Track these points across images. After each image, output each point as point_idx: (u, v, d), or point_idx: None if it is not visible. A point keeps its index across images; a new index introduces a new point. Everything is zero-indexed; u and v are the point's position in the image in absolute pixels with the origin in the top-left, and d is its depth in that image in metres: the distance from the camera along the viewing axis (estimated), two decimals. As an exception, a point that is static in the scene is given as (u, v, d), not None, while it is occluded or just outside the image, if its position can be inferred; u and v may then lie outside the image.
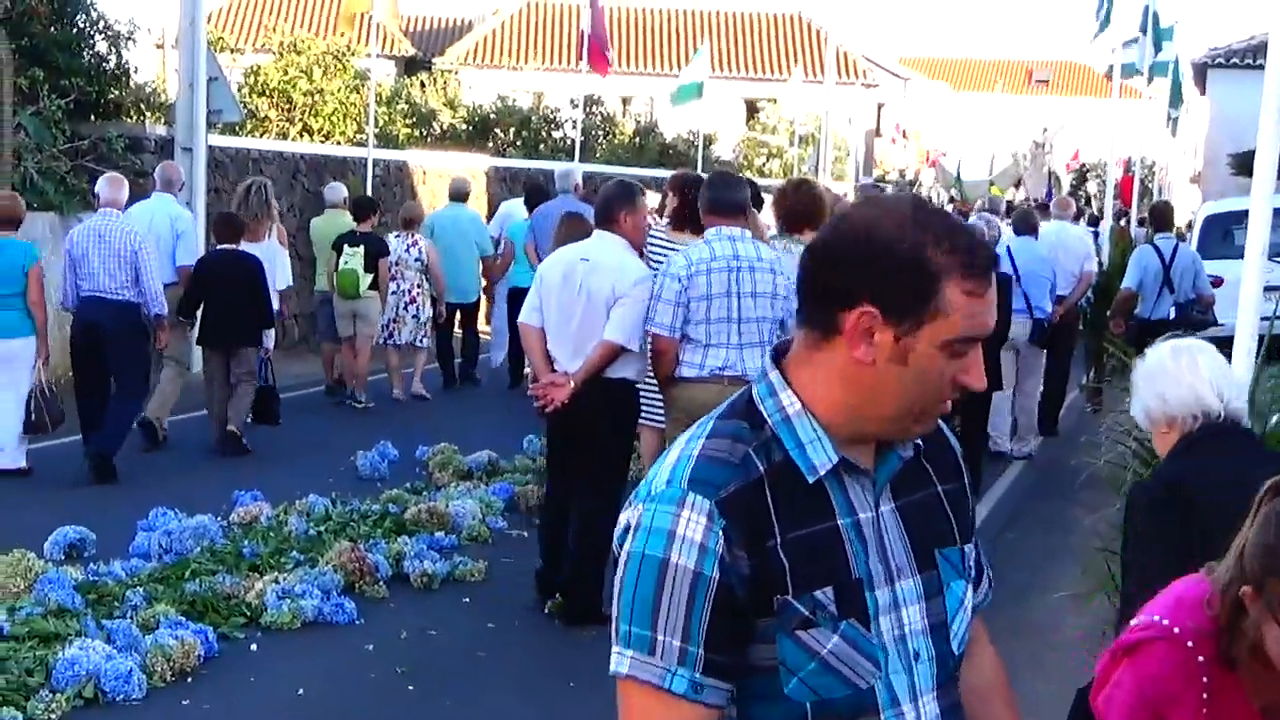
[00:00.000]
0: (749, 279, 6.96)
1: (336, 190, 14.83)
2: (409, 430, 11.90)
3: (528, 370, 10.45)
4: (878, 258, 2.06)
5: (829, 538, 2.13)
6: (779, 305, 6.99)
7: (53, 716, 5.84)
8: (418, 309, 13.91)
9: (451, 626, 7.36)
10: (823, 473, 2.13)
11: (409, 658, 6.83)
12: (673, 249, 7.86)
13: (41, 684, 6.06)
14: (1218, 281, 18.96)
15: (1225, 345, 4.44)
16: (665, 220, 8.78)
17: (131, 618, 6.85)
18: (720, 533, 2.06)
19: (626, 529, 2.14)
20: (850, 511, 2.15)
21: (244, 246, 11.38)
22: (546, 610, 7.53)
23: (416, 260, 13.82)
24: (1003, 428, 12.37)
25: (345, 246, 13.28)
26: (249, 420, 11.55)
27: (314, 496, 9.39)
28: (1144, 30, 23.13)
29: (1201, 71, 35.26)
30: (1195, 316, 12.03)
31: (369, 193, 17.19)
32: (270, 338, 11.81)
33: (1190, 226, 28.18)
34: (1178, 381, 3.63)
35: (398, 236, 13.96)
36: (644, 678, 2.09)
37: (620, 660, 2.12)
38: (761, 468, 2.11)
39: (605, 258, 7.19)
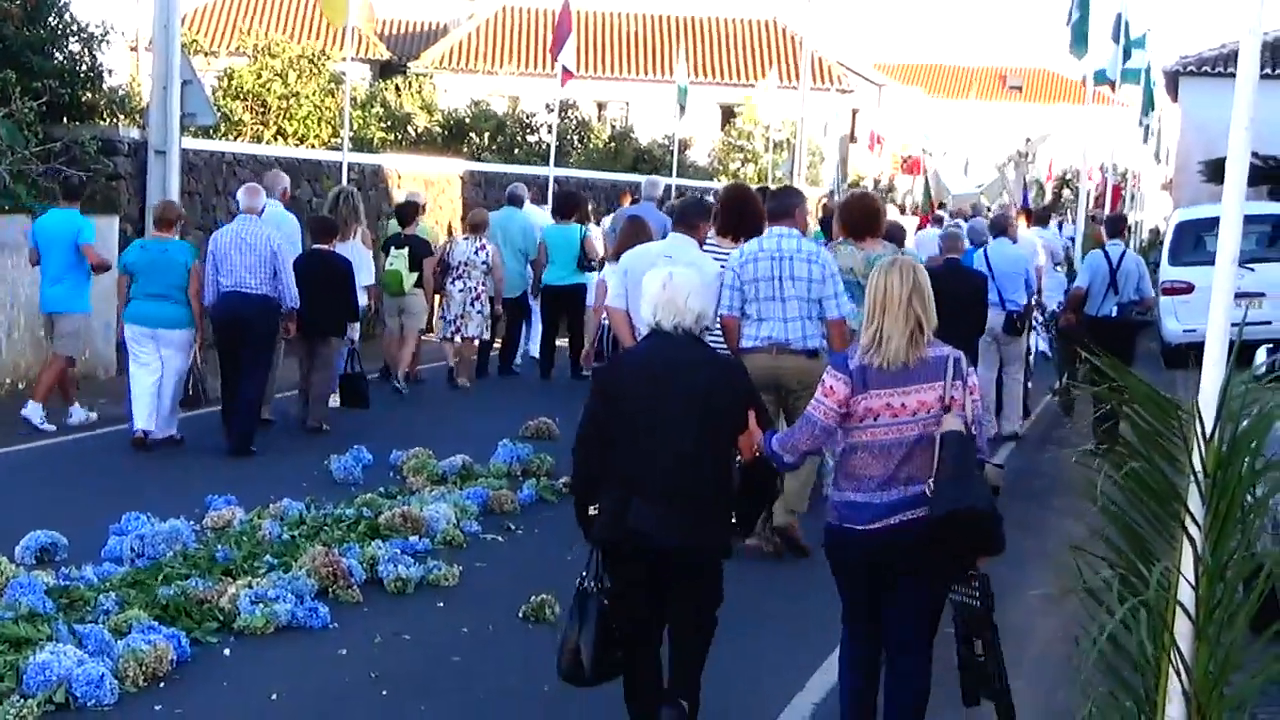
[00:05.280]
0: (789, 266, 8.60)
1: (418, 197, 16.18)
2: (383, 434, 11.87)
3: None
4: None
5: None
6: (814, 288, 8.59)
7: (23, 722, 5.81)
8: (482, 306, 15.20)
9: (425, 631, 7.35)
10: None
11: (383, 662, 6.82)
12: (720, 251, 9.33)
13: (12, 689, 6.03)
14: (1188, 287, 19.19)
15: (1200, 349, 4.48)
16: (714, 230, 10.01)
17: (103, 622, 6.82)
18: None
19: None
20: None
21: (332, 246, 12.58)
22: (520, 615, 7.53)
23: (483, 262, 15.09)
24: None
25: (392, 248, 14.64)
26: (338, 404, 12.91)
27: (288, 500, 9.36)
28: (1115, 39, 23.25)
29: (1173, 79, 35.43)
30: (1135, 316, 13.34)
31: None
32: (356, 329, 13.08)
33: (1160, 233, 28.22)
34: (643, 302, 5.77)
35: (466, 239, 15.34)
36: None
37: None
38: None
39: (687, 255, 8.83)
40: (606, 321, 10.47)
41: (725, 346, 8.63)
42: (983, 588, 5.40)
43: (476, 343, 15.56)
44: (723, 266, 8.93)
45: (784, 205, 8.99)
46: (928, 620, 5.54)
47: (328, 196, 14.42)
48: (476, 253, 15.09)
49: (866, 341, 5.39)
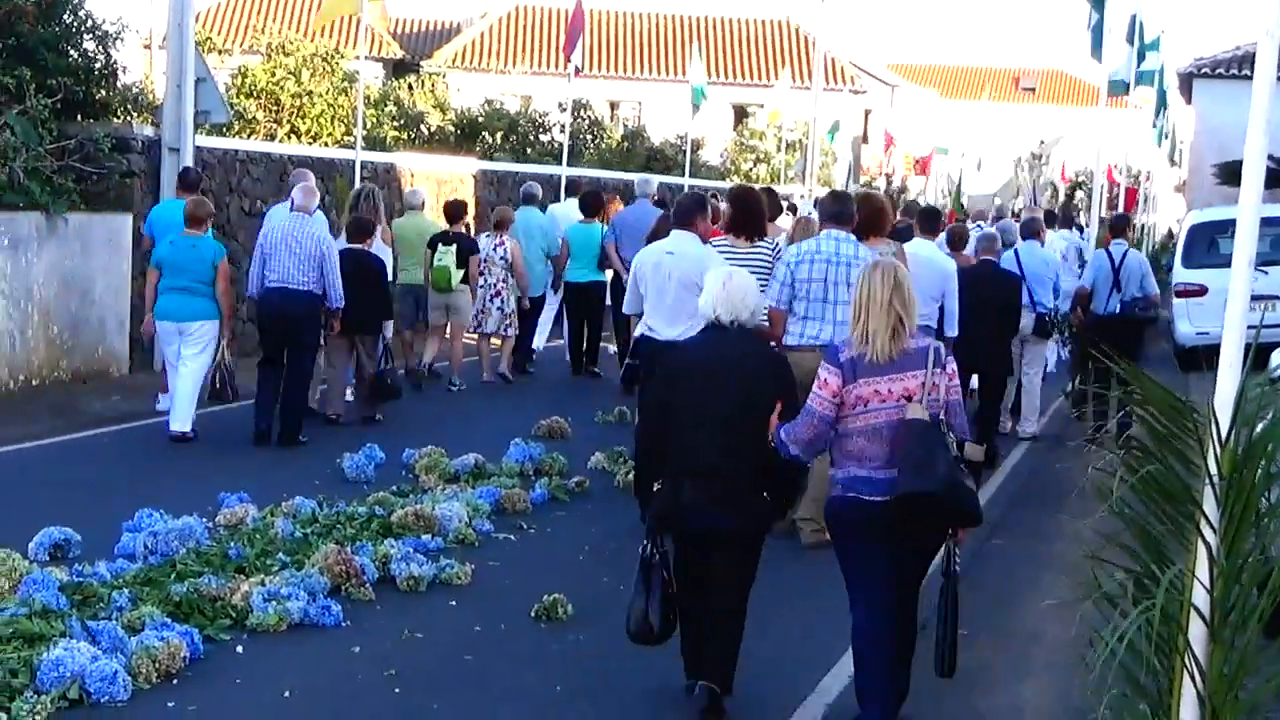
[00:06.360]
0: (844, 271, 8.78)
1: (417, 195, 16.26)
2: (395, 433, 11.89)
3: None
4: None
5: None
6: None
7: (37, 718, 5.81)
8: (502, 302, 15.47)
9: (438, 629, 7.35)
10: None
11: (395, 660, 6.82)
12: (734, 251, 9.50)
13: (26, 685, 6.03)
14: (1201, 289, 19.15)
15: (1213, 351, 4.47)
16: (723, 228, 10.36)
17: (117, 619, 6.83)
18: None
19: None
20: None
21: (368, 246, 12.92)
22: (532, 614, 7.54)
23: (502, 259, 15.41)
24: (1004, 410, 13.92)
25: (439, 245, 14.83)
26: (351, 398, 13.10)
27: (300, 498, 9.37)
28: (1130, 41, 23.20)
29: (1187, 81, 35.36)
30: (1137, 313, 13.80)
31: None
32: (389, 327, 13.24)
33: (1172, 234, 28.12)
34: (704, 298, 6.32)
35: (488, 237, 15.64)
36: None
37: None
38: None
39: (687, 251, 9.27)
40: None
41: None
42: (949, 551, 6.04)
43: (509, 340, 15.89)
44: (736, 263, 9.03)
45: (844, 211, 9.27)
46: (918, 583, 6.17)
47: (350, 195, 14.65)
48: (496, 249, 15.33)
49: (855, 338, 5.92)
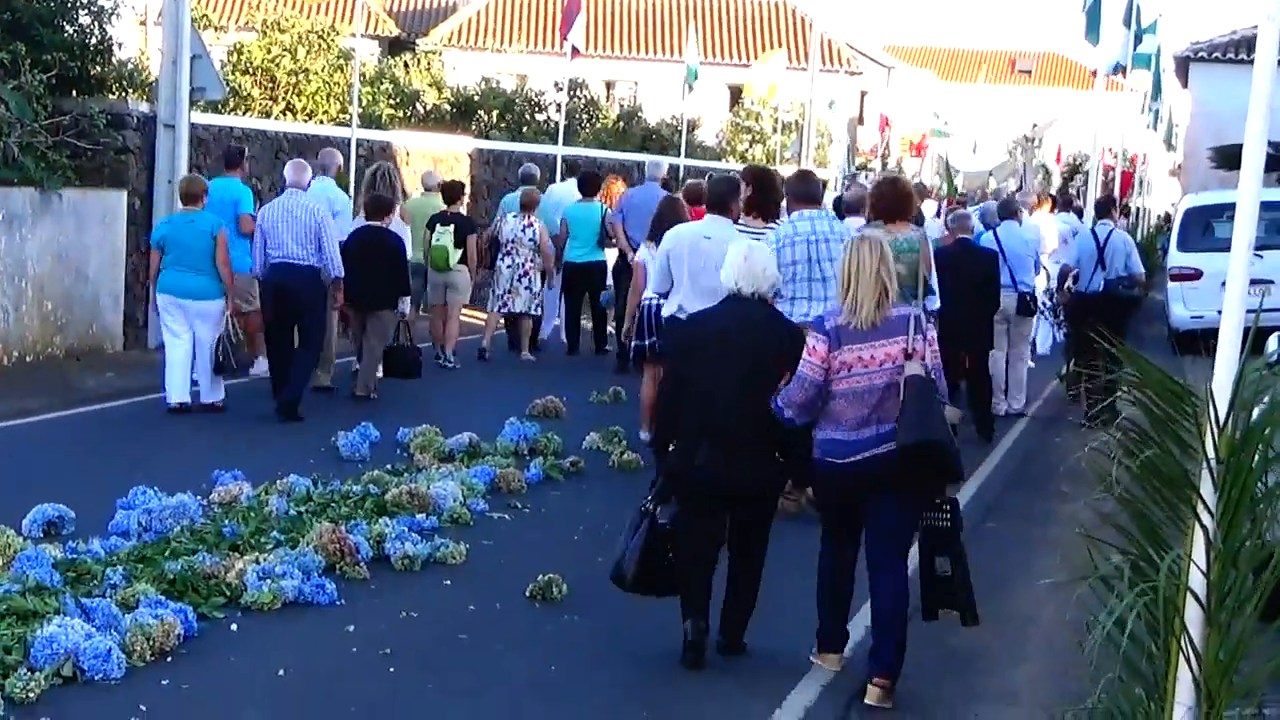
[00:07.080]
0: (825, 249, 9.13)
1: (432, 176, 16.75)
2: (391, 412, 11.88)
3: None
4: None
5: None
6: None
7: (31, 695, 5.80)
8: (530, 282, 15.71)
9: (432, 609, 7.35)
10: None
11: (390, 640, 6.82)
12: (751, 230, 9.54)
13: (20, 662, 6.03)
14: (1196, 273, 19.18)
15: (1208, 335, 4.47)
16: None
17: (111, 596, 6.82)
18: None
19: None
20: None
21: (386, 223, 13.09)
22: (527, 593, 7.54)
23: (531, 240, 15.62)
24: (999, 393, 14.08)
25: (438, 225, 15.01)
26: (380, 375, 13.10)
27: (295, 476, 9.35)
28: (1126, 23, 23.16)
29: (1183, 65, 35.34)
30: (1122, 290, 14.10)
31: (351, 173, 17.30)
32: (406, 303, 13.35)
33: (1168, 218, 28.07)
34: (726, 270, 6.71)
35: (516, 217, 15.80)
36: None
37: None
38: None
39: (725, 235, 9.25)
40: (649, 301, 10.57)
41: None
42: (953, 511, 6.38)
43: (528, 319, 16.04)
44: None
45: (813, 189, 9.69)
46: (900, 539, 6.44)
47: (365, 174, 14.80)
48: (524, 230, 15.54)
49: (845, 306, 6.31)
